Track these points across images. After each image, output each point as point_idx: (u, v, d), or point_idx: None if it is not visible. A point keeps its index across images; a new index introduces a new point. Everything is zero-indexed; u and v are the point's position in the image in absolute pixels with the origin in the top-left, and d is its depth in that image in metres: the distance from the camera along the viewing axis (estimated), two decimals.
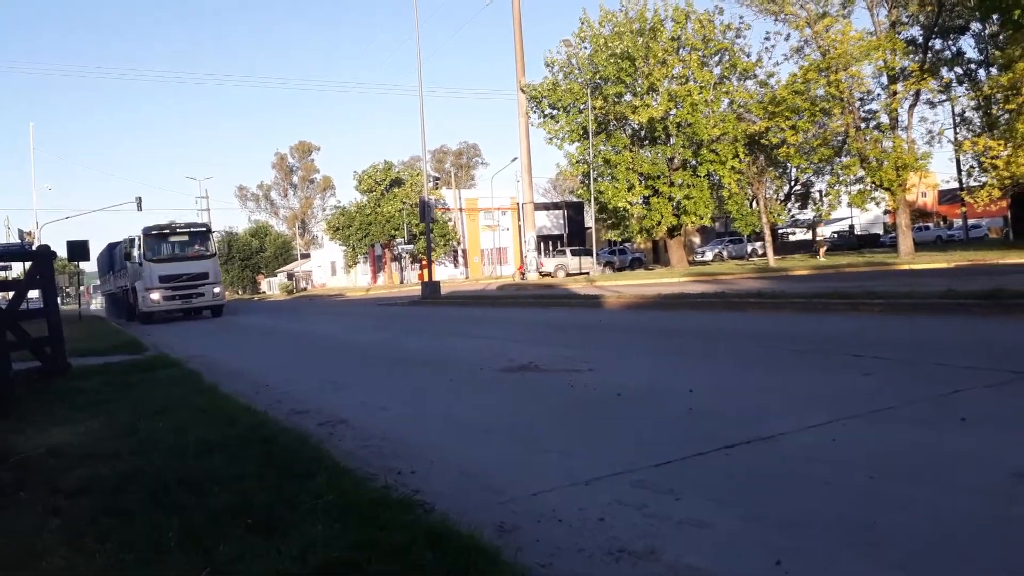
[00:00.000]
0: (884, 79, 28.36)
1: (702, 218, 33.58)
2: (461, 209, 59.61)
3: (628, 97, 33.61)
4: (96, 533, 2.84)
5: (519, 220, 48.81)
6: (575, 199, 52.20)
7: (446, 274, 56.02)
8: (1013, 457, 3.28)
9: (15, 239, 43.23)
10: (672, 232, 34.69)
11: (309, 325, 18.28)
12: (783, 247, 50.87)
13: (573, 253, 45.44)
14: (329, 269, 73.98)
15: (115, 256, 29.81)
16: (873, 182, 27.73)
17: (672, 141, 33.38)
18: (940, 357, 5.95)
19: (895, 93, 27.15)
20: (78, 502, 3.28)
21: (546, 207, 63.21)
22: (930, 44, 29.06)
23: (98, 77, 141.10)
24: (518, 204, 50.25)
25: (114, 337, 15.61)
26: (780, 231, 53.17)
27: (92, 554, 2.64)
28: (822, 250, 33.90)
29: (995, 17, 25.78)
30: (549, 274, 41.77)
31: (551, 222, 61.72)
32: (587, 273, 38.25)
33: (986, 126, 31.54)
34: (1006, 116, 28.28)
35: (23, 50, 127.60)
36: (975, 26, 30.80)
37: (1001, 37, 28.80)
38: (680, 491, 3.14)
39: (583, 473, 3.47)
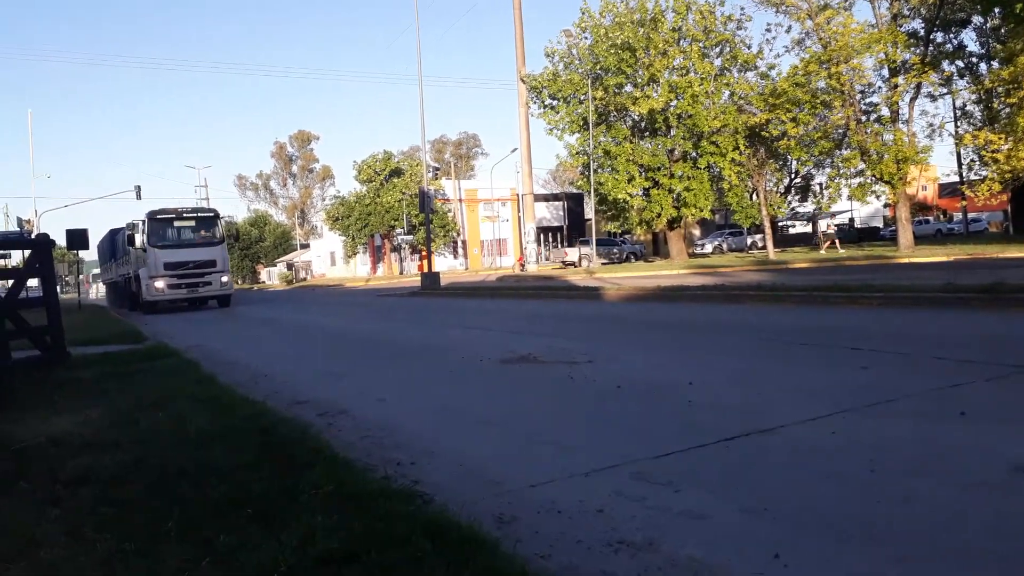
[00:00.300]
0: (885, 72, 28.31)
1: (702, 210, 33.56)
2: (461, 200, 59.57)
3: (628, 88, 33.52)
4: (96, 523, 2.85)
5: (519, 211, 48.82)
6: (575, 190, 52.14)
7: (446, 265, 55.99)
8: (1013, 451, 3.28)
9: (14, 227, 43.21)
10: (672, 224, 34.67)
11: (308, 315, 18.28)
12: (783, 240, 50.80)
13: (599, 243, 45.43)
14: (328, 259, 73.95)
15: (117, 242, 28.72)
16: (873, 175, 27.70)
17: (672, 133, 33.31)
18: (939, 351, 5.96)
19: (896, 86, 27.07)
20: (78, 492, 3.28)
21: (546, 198, 63.14)
22: (931, 37, 28.97)
23: (97, 65, 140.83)
24: (518, 195, 50.27)
25: (113, 326, 15.61)
26: (780, 224, 53.11)
27: (92, 544, 2.64)
28: (837, 242, 33.82)
29: (997, 11, 25.65)
30: (573, 264, 41.79)
31: (551, 213, 61.68)
32: (610, 262, 38.51)
33: (987, 120, 31.51)
34: (1007, 110, 28.26)
35: (22, 38, 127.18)
36: (977, 19, 30.70)
37: (1003, 31, 28.75)
38: (679, 483, 3.15)
39: (582, 465, 3.47)
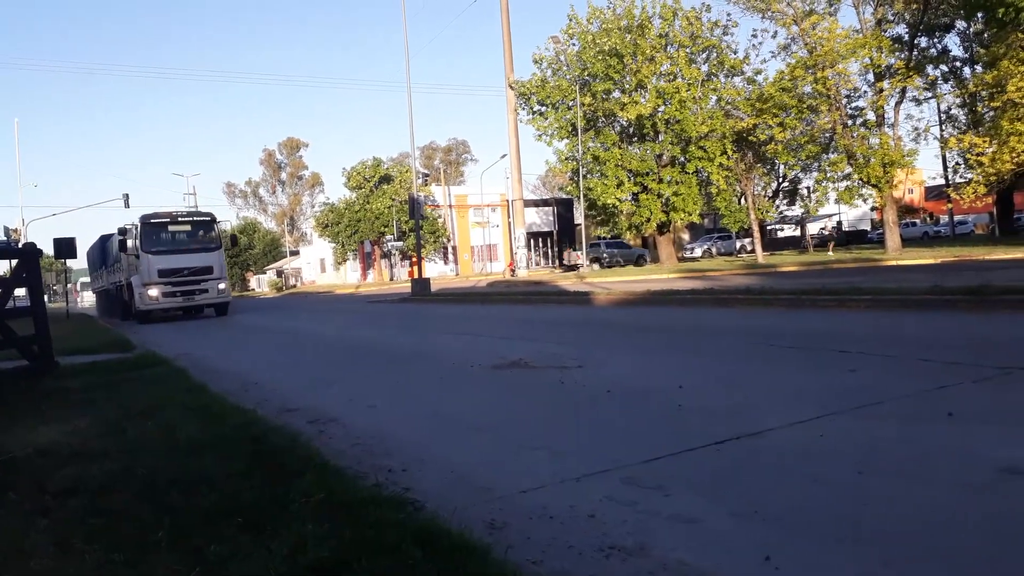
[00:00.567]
0: (870, 76, 28.53)
1: (691, 215, 33.72)
2: (451, 206, 59.52)
3: (616, 94, 33.67)
4: (85, 533, 2.83)
5: (509, 217, 48.81)
6: (564, 196, 52.26)
7: (436, 271, 55.94)
8: (999, 452, 3.30)
9: (1, 237, 42.86)
10: (661, 229, 34.80)
11: (298, 322, 18.22)
12: (771, 243, 51.05)
13: (607, 246, 45.48)
14: (318, 266, 73.73)
15: (108, 249, 27.41)
16: (860, 179, 27.90)
17: (661, 138, 33.47)
18: (926, 353, 6.00)
19: (881, 90, 27.30)
20: (66, 502, 3.26)
21: (536, 204, 63.19)
22: (916, 42, 29.25)
23: (84, 73, 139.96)
24: (508, 201, 50.25)
25: (102, 335, 15.52)
26: (768, 227, 53.37)
27: (81, 555, 2.63)
28: (830, 244, 34.05)
29: (980, 15, 26.01)
30: (578, 267, 41.85)
31: (541, 219, 61.73)
32: (620, 264, 38.66)
33: (971, 123, 31.84)
34: (991, 113, 28.56)
35: (7, 47, 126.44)
36: (960, 24, 31.08)
37: (986, 35, 29.08)
38: (670, 487, 3.16)
39: (573, 470, 3.47)
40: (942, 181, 39.40)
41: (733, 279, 19.87)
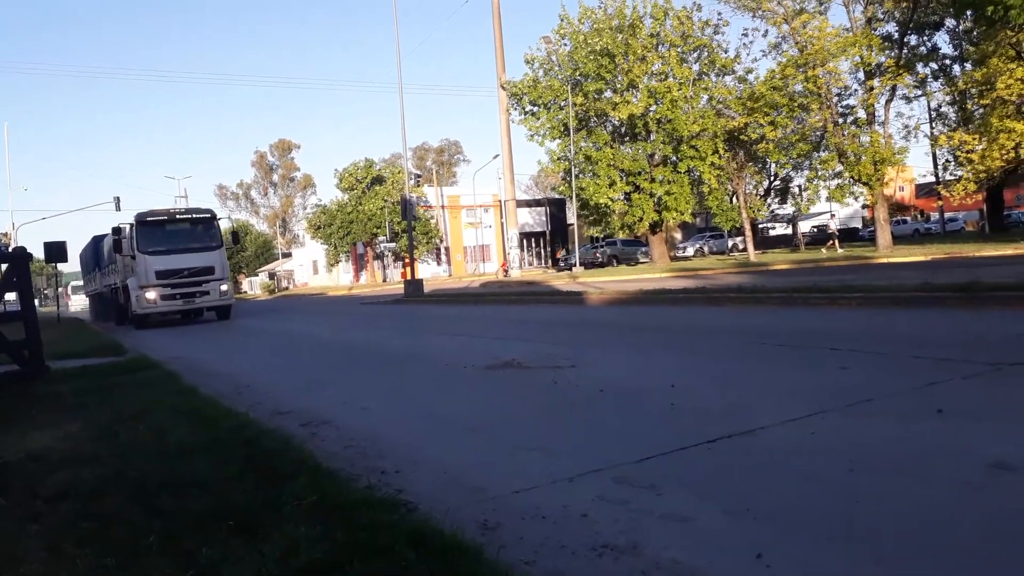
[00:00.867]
0: (861, 75, 28.67)
1: (683, 214, 33.77)
2: (443, 207, 59.51)
3: (608, 94, 33.72)
4: (76, 538, 2.81)
5: (501, 217, 48.85)
6: (557, 196, 52.30)
7: (429, 272, 55.90)
8: (990, 448, 3.32)
9: None
10: (654, 228, 34.85)
11: (290, 324, 18.17)
12: (763, 242, 51.18)
13: (626, 244, 45.47)
14: (311, 268, 73.63)
15: (102, 250, 25.89)
16: (851, 176, 28.02)
17: (652, 137, 33.52)
18: (917, 350, 6.02)
19: (872, 88, 27.42)
20: (58, 507, 3.25)
21: (528, 204, 63.25)
22: (905, 40, 29.40)
23: (74, 76, 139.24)
24: (500, 201, 50.29)
25: (93, 339, 15.44)
26: (760, 226, 53.49)
27: (73, 559, 2.61)
28: (836, 243, 33.89)
29: (969, 13, 26.12)
30: (600, 264, 41.87)
31: (533, 219, 61.76)
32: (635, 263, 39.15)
33: (961, 121, 32.01)
34: (980, 111, 28.73)
35: None
36: (950, 22, 31.22)
37: (975, 33, 29.24)
38: (662, 486, 3.16)
39: (566, 470, 3.48)
40: (932, 178, 39.63)
41: (725, 278, 19.93)
